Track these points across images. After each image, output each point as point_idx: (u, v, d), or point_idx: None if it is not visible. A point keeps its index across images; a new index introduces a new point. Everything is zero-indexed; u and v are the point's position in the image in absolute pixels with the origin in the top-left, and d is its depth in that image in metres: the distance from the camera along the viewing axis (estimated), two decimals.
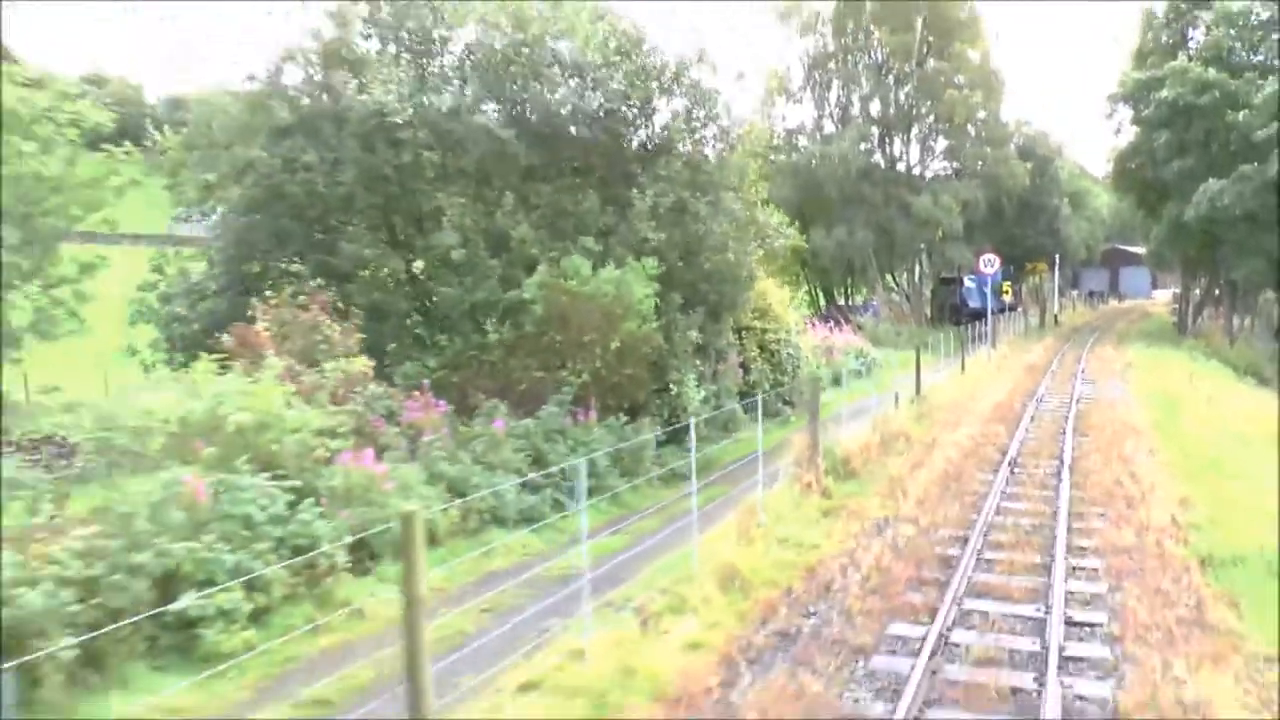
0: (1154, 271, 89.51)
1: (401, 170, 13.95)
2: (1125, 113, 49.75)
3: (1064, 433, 15.91)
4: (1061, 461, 13.47)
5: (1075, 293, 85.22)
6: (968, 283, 48.33)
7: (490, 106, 14.68)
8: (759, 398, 13.07)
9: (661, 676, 6.32)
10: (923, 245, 46.00)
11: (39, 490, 7.57)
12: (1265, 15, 46.25)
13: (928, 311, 49.00)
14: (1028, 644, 6.96)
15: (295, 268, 14.28)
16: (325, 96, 14.35)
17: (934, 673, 6.46)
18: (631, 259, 14.43)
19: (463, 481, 10.62)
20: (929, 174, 48.05)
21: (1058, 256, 60.45)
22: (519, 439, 11.83)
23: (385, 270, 14.52)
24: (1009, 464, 13.36)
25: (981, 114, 47.81)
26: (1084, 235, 70.94)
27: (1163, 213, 47.94)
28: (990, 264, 32.42)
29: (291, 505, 8.39)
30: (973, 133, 48.42)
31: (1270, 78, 41.37)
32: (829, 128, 46.43)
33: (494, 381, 12.98)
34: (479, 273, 13.93)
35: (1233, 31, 46.39)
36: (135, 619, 6.32)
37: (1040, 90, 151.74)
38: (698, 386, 15.62)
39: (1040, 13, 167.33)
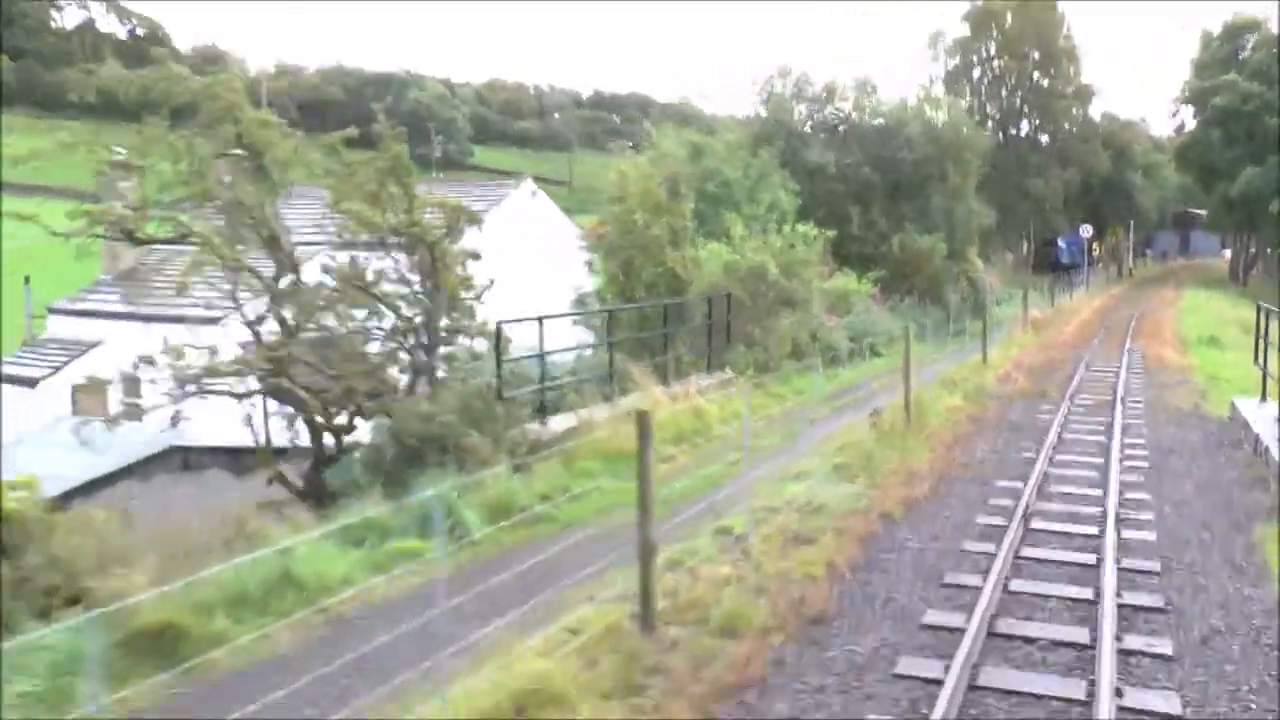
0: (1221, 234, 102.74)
1: (829, 193, 30.92)
2: (1186, 111, 65.03)
3: (1133, 318, 32.64)
4: (1130, 323, 30.30)
5: (1149, 252, 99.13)
6: (1061, 244, 64.21)
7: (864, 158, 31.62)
8: (987, 303, 29.97)
9: (1020, 350, 23.35)
10: (1031, 217, 62.05)
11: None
12: None
13: (1030, 266, 65.01)
14: (1118, 344, 23.92)
15: None
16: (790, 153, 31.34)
17: (1089, 360, 23.49)
18: (925, 232, 31.31)
19: (900, 320, 27.58)
20: (1032, 161, 63.63)
21: (1131, 222, 75.55)
22: (907, 309, 28.91)
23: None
24: (1104, 327, 30.25)
25: (1076, 113, 63.46)
26: (1155, 203, 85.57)
27: (1215, 189, 63.11)
28: (1087, 232, 48.63)
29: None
30: (1068, 128, 64.06)
31: None
32: None
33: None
34: (863, 240, 30.92)
35: (1273, 51, 60.90)
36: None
37: (1118, 59, 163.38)
38: (954, 294, 32.57)
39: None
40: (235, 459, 18.87)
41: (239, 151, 11.81)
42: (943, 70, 62.24)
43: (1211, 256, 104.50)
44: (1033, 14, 60.21)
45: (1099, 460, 11.61)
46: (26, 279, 31.79)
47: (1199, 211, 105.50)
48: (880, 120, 32.81)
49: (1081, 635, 6.34)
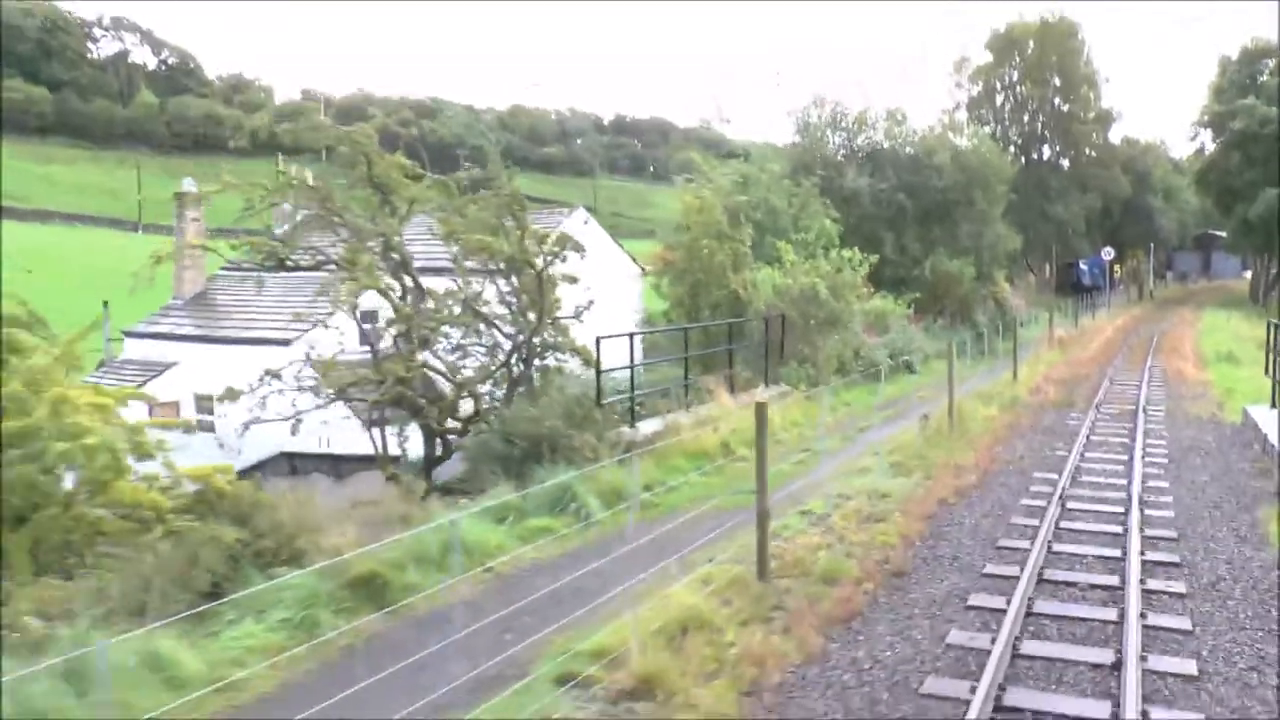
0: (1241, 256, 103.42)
1: (863, 218, 32.65)
2: (1205, 134, 66.42)
3: (1154, 337, 34.14)
4: (1151, 341, 31.80)
5: (1170, 274, 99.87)
6: (1083, 266, 65.54)
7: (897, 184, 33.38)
8: (1014, 323, 31.58)
9: (1047, 367, 24.96)
10: (1053, 240, 63.54)
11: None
12: None
13: (1053, 288, 66.42)
14: (1140, 361, 25.47)
15: None
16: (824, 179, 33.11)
17: (1112, 375, 25.06)
18: (955, 256, 32.98)
19: (933, 339, 29.20)
20: (1054, 185, 65.12)
21: (1151, 245, 76.79)
22: (939, 329, 30.53)
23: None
24: (1126, 345, 31.77)
25: (1096, 138, 65.02)
26: (1175, 225, 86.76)
27: (1235, 211, 64.34)
28: (1109, 254, 50.10)
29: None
30: (1089, 153, 65.59)
31: None
32: None
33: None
34: (896, 263, 32.61)
35: None
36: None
37: (1136, 78, 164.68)
38: (982, 315, 34.17)
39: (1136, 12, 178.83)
40: (334, 464, 20.75)
41: (370, 190, 13.69)
42: (966, 96, 63.97)
43: (1232, 278, 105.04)
44: (1054, 41, 61.94)
45: (1124, 457, 13.25)
46: (105, 303, 33.93)
47: (1219, 233, 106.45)
48: (910, 150, 34.57)
49: (1113, 580, 8.02)
